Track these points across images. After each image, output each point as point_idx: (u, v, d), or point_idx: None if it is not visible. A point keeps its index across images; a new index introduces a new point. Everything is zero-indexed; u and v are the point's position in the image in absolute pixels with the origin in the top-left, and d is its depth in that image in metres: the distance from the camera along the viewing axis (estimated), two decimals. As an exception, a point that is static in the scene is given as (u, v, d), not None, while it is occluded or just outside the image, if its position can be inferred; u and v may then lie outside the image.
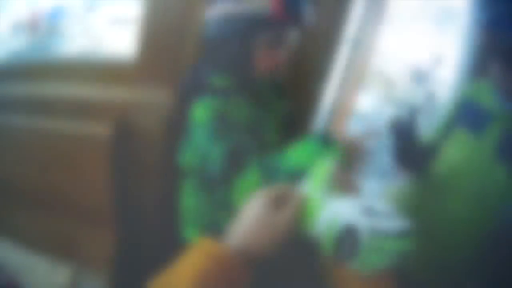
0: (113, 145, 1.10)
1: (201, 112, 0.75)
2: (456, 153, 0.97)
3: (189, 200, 0.88)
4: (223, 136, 0.72)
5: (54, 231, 1.23)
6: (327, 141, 0.70)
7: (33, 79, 1.32)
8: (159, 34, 1.14)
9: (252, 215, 0.44)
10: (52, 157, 1.18)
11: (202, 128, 0.74)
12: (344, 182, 0.51)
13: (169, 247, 0.68)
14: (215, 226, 0.79)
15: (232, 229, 0.45)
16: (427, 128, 1.08)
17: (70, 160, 1.16)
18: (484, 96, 0.94)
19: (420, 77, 4.68)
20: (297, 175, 0.55)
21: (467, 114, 0.97)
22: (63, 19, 1.90)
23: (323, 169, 0.50)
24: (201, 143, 0.75)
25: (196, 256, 0.42)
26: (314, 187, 0.49)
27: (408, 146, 1.00)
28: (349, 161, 0.69)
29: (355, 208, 0.44)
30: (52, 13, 1.87)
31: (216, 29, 0.77)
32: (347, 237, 0.42)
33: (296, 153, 0.70)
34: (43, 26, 1.84)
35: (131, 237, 1.14)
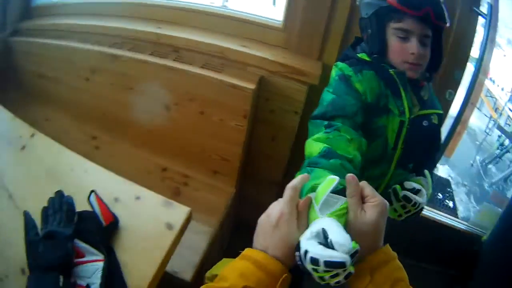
0: (255, 97, 1.21)
1: (333, 71, 0.92)
2: None
3: None
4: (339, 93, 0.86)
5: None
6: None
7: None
8: (308, 8, 1.27)
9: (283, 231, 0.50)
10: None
11: (329, 84, 0.90)
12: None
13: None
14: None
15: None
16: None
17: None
18: None
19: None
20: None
21: None
22: None
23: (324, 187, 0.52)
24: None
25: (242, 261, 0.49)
26: (314, 205, 0.52)
27: None
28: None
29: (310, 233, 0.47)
30: None
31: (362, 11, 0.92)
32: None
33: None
34: None
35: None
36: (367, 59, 0.90)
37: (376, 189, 0.84)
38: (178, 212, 0.82)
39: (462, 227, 1.97)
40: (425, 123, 0.93)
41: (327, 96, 0.87)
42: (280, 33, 1.32)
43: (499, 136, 4.89)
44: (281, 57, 1.27)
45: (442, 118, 0.97)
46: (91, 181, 0.88)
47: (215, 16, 1.38)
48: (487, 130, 5.43)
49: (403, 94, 0.89)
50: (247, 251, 0.51)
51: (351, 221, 0.51)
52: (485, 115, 6.24)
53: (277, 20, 1.34)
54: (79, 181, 0.88)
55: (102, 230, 0.72)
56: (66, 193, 0.76)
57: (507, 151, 4.69)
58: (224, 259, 0.79)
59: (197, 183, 1.30)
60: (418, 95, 0.92)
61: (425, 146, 0.97)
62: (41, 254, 0.61)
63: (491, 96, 6.77)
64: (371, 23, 0.89)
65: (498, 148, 4.71)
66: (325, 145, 0.75)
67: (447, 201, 3.59)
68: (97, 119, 1.45)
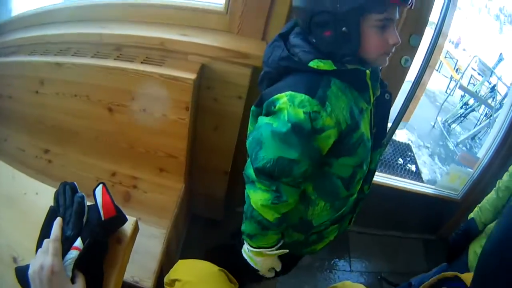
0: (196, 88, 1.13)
1: (286, 106, 0.77)
2: None
3: None
4: None
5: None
6: None
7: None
8: None
9: None
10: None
11: (276, 117, 0.80)
12: None
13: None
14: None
15: None
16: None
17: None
18: None
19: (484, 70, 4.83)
20: None
21: None
22: None
23: None
24: None
25: None
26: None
27: None
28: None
29: None
30: None
31: None
32: None
33: None
34: None
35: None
36: (328, 68, 0.77)
37: (359, 180, 0.92)
38: (126, 224, 0.75)
39: (430, 191, 1.95)
40: (387, 96, 0.91)
41: (270, 145, 0.77)
42: (222, 16, 1.24)
43: (462, 96, 4.92)
44: (223, 41, 1.18)
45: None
46: (43, 203, 0.81)
47: (155, 7, 1.31)
48: (448, 91, 5.48)
49: (370, 85, 0.84)
50: None
51: None
52: (445, 76, 6.30)
53: (219, 4, 1.26)
54: (32, 204, 0.82)
55: (96, 222, 0.65)
56: (21, 216, 0.75)
57: (473, 110, 4.69)
58: (180, 261, 0.86)
59: (146, 184, 1.23)
60: (377, 76, 0.87)
61: (387, 115, 0.96)
62: None
63: (451, 58, 6.89)
64: (348, 17, 0.72)
65: (461, 108, 4.69)
66: (278, 216, 0.83)
67: (409, 165, 3.49)
68: (48, 131, 1.40)
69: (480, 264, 0.55)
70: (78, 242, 0.61)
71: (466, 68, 5.51)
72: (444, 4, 1.33)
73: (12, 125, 1.53)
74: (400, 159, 3.46)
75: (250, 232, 0.88)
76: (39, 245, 0.62)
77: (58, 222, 0.61)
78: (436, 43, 1.39)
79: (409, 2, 0.74)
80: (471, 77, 5.82)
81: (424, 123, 4.70)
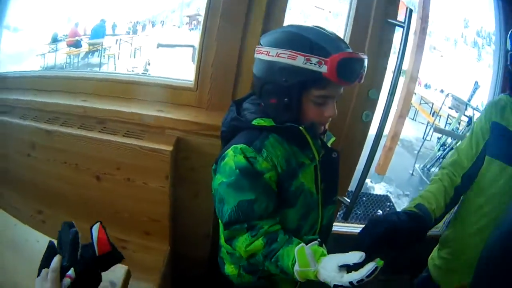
0: (173, 158, 1.30)
1: (231, 157, 0.88)
2: None
3: None
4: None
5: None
6: None
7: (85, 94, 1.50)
8: (217, 66, 1.37)
9: None
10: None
11: (226, 174, 0.88)
12: None
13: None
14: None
15: None
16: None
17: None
18: None
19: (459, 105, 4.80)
20: None
21: None
22: (104, 36, 2.03)
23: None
24: None
25: None
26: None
27: None
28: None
29: None
30: (94, 31, 1.99)
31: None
32: None
33: None
34: (84, 43, 1.95)
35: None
36: (267, 124, 0.89)
37: (314, 234, 1.00)
38: (118, 270, 0.96)
39: None
40: (334, 154, 0.98)
41: (229, 196, 0.85)
42: (192, 92, 1.43)
43: (439, 138, 4.89)
44: (194, 116, 1.37)
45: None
46: (44, 249, 0.97)
47: (134, 84, 1.49)
48: (426, 136, 5.47)
49: (311, 143, 0.91)
50: None
51: None
52: (422, 123, 6.40)
53: (189, 80, 1.45)
54: (33, 250, 0.97)
55: (90, 255, 0.72)
56: (23, 259, 0.90)
57: (451, 149, 4.53)
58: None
59: (134, 245, 1.38)
60: (315, 135, 0.94)
61: (335, 173, 1.02)
62: None
63: (426, 103, 7.09)
64: (291, 91, 0.84)
65: (439, 150, 4.68)
66: (263, 250, 0.84)
67: None
68: (40, 194, 1.54)
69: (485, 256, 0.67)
70: (71, 271, 0.67)
71: (440, 108, 5.53)
72: (400, 49, 1.35)
73: (8, 183, 1.65)
74: (379, 210, 3.47)
75: (275, 271, 0.86)
76: (38, 275, 0.68)
77: (58, 256, 0.68)
78: (394, 93, 1.38)
79: (353, 82, 0.85)
80: (448, 117, 5.88)
81: (403, 172, 4.70)
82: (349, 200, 1.55)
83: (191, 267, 1.56)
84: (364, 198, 3.50)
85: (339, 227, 1.99)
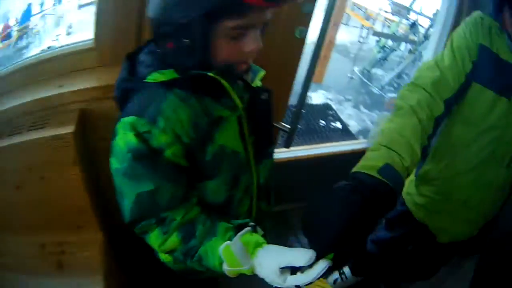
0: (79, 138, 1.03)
1: (120, 136, 0.70)
2: None
3: None
4: None
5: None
6: None
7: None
8: (117, 17, 1.09)
9: None
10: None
11: (119, 159, 0.70)
12: None
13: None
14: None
15: None
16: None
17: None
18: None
19: (399, 10, 5.02)
20: None
21: None
22: (31, 17, 1.93)
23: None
24: None
25: None
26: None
27: None
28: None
29: None
30: (22, 16, 1.88)
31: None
32: None
33: None
34: (15, 32, 1.85)
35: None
36: (166, 78, 0.67)
37: (250, 198, 0.84)
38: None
39: (360, 147, 1.93)
40: (264, 95, 0.79)
41: (125, 187, 0.67)
42: (92, 52, 1.13)
43: (377, 41, 4.92)
44: (96, 79, 1.08)
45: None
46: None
47: (35, 65, 1.20)
48: (361, 40, 5.63)
49: (229, 88, 0.71)
50: None
51: None
52: (356, 27, 6.37)
53: (89, 40, 1.15)
54: None
55: None
56: None
57: (393, 50, 4.76)
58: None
59: (72, 246, 1.13)
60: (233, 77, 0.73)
61: (268, 118, 0.84)
62: None
63: (359, 8, 7.24)
64: (193, 28, 0.60)
65: (379, 52, 4.76)
66: (181, 247, 0.68)
67: (332, 124, 3.31)
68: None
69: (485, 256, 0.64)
70: None
71: (378, 13, 5.97)
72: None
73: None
74: (321, 120, 3.26)
75: (199, 269, 0.71)
76: None
77: None
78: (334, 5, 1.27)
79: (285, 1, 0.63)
80: (385, 20, 6.13)
81: (341, 78, 4.52)
82: (289, 126, 1.41)
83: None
84: (303, 110, 3.43)
85: (279, 153, 1.74)
